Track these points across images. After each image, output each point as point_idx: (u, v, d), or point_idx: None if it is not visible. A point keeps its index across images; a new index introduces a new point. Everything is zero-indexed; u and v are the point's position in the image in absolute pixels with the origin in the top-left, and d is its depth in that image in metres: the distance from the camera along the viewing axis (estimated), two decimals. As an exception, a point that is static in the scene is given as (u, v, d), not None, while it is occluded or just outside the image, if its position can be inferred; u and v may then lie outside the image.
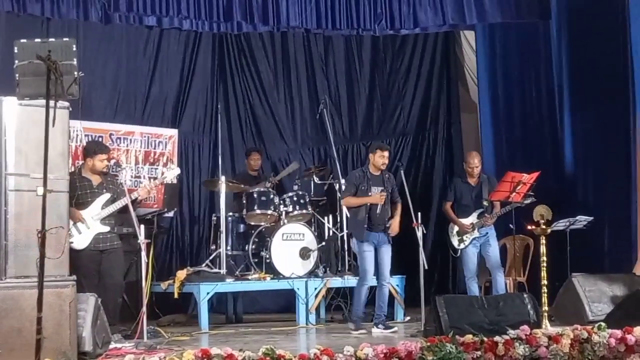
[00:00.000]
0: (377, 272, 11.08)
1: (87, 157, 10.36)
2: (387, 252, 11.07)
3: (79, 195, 10.00)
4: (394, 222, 11.13)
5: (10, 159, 8.39)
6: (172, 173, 11.16)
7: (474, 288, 11.52)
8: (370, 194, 11.01)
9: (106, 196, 10.17)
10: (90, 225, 10.05)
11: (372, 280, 11.14)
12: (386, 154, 11.14)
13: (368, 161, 11.28)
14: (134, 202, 10.24)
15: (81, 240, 9.99)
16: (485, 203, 11.63)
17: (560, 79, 13.55)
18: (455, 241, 11.78)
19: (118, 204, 10.10)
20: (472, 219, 11.65)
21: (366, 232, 10.92)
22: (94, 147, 10.65)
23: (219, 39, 15.10)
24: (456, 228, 11.77)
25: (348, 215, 11.51)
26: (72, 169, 10.15)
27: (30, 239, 8.07)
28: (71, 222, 9.75)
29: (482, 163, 12.02)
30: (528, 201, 11.40)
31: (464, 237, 11.67)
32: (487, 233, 11.61)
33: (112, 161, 10.50)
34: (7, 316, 8.06)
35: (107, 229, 10.15)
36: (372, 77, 15.66)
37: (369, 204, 10.95)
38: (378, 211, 10.94)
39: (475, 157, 11.92)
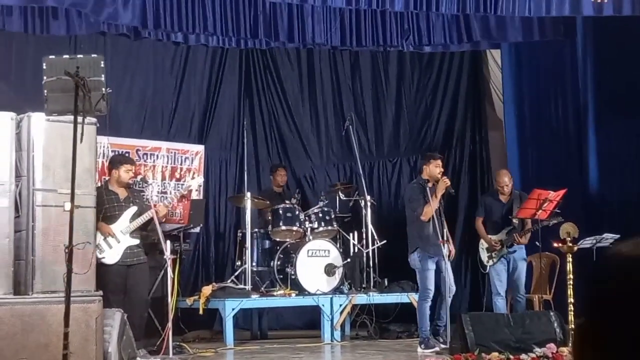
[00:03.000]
0: (443, 285, 10.85)
1: (113, 168, 10.42)
2: (449, 265, 10.92)
3: (107, 209, 10.06)
4: (452, 248, 11.09)
5: (37, 174, 8.47)
6: (195, 182, 11.20)
7: (500, 305, 11.43)
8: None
9: (133, 209, 10.21)
10: (121, 239, 10.09)
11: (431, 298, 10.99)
12: (440, 162, 11.08)
13: (421, 172, 11.20)
14: (150, 221, 10.22)
15: (112, 254, 10.03)
16: (514, 221, 11.56)
17: (585, 96, 13.51)
18: (484, 257, 11.72)
19: (144, 217, 10.14)
20: (501, 235, 11.59)
21: (436, 245, 10.75)
22: (119, 158, 10.75)
23: (245, 55, 15.14)
24: (486, 244, 11.72)
25: (410, 231, 11.28)
26: (99, 184, 10.19)
27: (57, 254, 8.12)
28: (101, 237, 9.83)
29: (512, 181, 11.94)
30: (555, 221, 11.34)
31: (493, 254, 11.61)
32: (515, 251, 11.52)
33: (139, 177, 10.54)
34: (34, 331, 8.11)
35: (136, 241, 10.19)
36: (399, 93, 15.66)
37: (432, 219, 10.79)
38: (438, 225, 10.76)
39: (505, 175, 11.88)
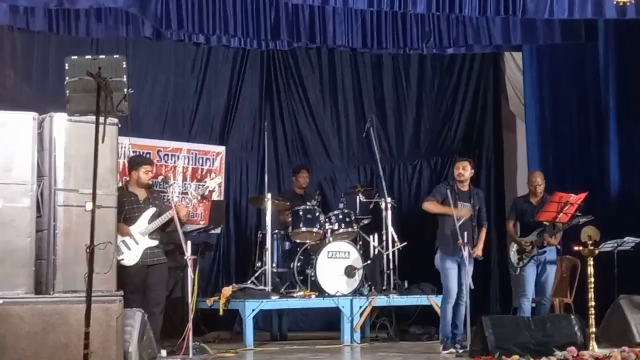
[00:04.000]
0: (457, 291, 10.83)
1: (132, 169, 10.44)
2: (469, 270, 10.82)
3: (127, 210, 10.08)
4: (478, 246, 11.03)
5: (59, 174, 8.50)
6: (214, 182, 11.19)
7: (525, 307, 11.34)
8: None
9: (152, 210, 10.22)
10: (139, 241, 10.11)
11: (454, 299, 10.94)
12: (461, 165, 11.03)
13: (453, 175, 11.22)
14: (170, 220, 10.22)
15: (131, 256, 10.04)
16: (545, 222, 11.49)
17: (607, 99, 13.46)
18: (514, 259, 11.66)
19: (163, 218, 10.14)
20: (532, 237, 11.53)
21: (452, 245, 10.75)
22: (137, 160, 10.80)
23: (266, 56, 15.14)
24: (516, 246, 11.67)
25: (438, 232, 11.29)
26: (120, 184, 10.22)
27: (78, 254, 8.16)
28: (120, 238, 9.84)
29: (544, 182, 11.88)
30: (585, 219, 11.29)
31: (524, 256, 11.55)
32: (545, 252, 11.46)
33: (160, 177, 10.56)
34: (55, 330, 8.14)
35: (155, 243, 10.20)
36: (419, 95, 15.62)
37: (455, 218, 10.75)
38: (462, 226, 10.72)
39: (538, 176, 11.85)
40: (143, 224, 10.18)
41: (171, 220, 10.12)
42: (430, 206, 11.01)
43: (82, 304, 7.50)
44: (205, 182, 13.14)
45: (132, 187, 10.39)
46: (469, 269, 10.71)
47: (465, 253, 10.58)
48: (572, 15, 11.69)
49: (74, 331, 8.00)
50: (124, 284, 9.76)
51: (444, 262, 10.85)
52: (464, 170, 11.01)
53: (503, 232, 14.23)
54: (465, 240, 10.60)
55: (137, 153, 12.64)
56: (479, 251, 10.98)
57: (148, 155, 12.76)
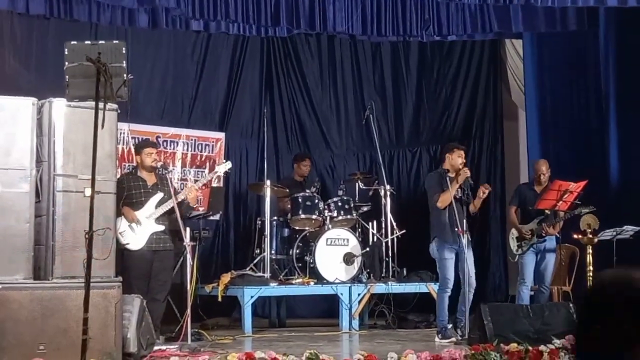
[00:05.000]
0: (463, 279, 10.74)
1: (137, 154, 10.55)
2: (471, 257, 10.81)
3: (134, 194, 10.16)
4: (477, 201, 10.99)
5: (58, 159, 8.49)
6: (223, 167, 11.18)
7: (524, 295, 11.32)
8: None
9: (159, 196, 10.25)
10: (145, 225, 10.14)
11: (451, 288, 10.92)
12: (462, 153, 11.02)
13: (443, 162, 11.16)
14: (181, 203, 10.28)
15: (137, 240, 10.09)
16: (547, 211, 11.48)
17: (607, 87, 13.45)
18: (513, 246, 11.65)
19: (169, 204, 10.15)
20: (532, 225, 11.52)
21: (451, 233, 10.71)
22: (141, 143, 11.00)
23: (266, 43, 15.14)
24: (516, 233, 11.66)
25: (431, 220, 11.27)
26: (128, 169, 10.24)
27: (77, 240, 8.16)
28: (126, 223, 9.91)
29: (549, 170, 11.86)
30: (587, 210, 11.28)
31: (523, 243, 11.54)
32: (545, 240, 11.45)
33: (159, 163, 10.57)
34: (53, 316, 8.14)
35: (161, 228, 10.24)
36: (419, 82, 15.61)
37: (450, 208, 10.73)
38: (456, 215, 10.69)
39: (543, 164, 11.82)
40: (150, 209, 10.22)
41: (179, 204, 10.14)
42: (445, 199, 10.87)
43: (80, 289, 7.51)
44: (205, 169, 13.21)
45: (140, 172, 10.47)
46: (470, 255, 10.71)
47: (465, 240, 10.57)
48: (576, 2, 11.69)
49: (72, 317, 8.01)
50: (129, 269, 9.86)
51: (441, 251, 10.79)
52: (464, 160, 11.02)
53: (502, 220, 14.25)
54: (465, 228, 10.60)
55: (138, 139, 12.66)
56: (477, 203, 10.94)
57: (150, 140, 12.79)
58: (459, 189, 10.82)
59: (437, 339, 10.60)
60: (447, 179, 10.78)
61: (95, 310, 7.90)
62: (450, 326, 10.76)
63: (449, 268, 10.73)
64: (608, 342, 2.02)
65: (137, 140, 12.65)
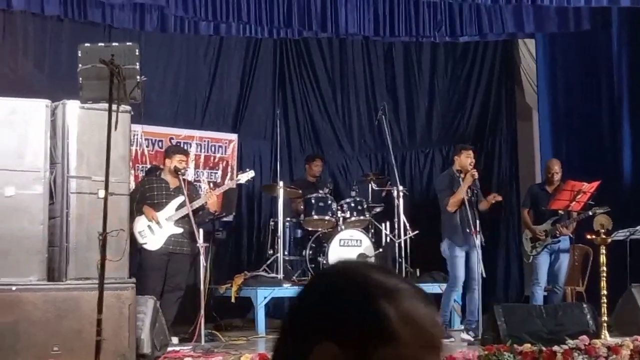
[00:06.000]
0: (468, 275, 10.85)
1: (167, 157, 10.71)
2: (476, 254, 10.82)
3: (155, 195, 10.32)
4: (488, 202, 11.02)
5: (72, 161, 8.52)
6: (245, 176, 11.25)
7: (538, 295, 11.32)
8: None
9: (181, 199, 10.34)
10: (164, 226, 10.23)
11: (461, 287, 11.00)
12: (471, 153, 11.05)
13: (453, 164, 11.19)
14: (201, 208, 10.46)
15: (155, 240, 10.20)
16: (560, 211, 11.48)
17: (620, 87, 13.42)
18: (528, 247, 11.65)
19: (189, 207, 10.21)
20: (546, 226, 11.51)
21: (465, 234, 10.75)
22: (173, 149, 11.18)
23: (279, 45, 15.16)
24: (530, 234, 11.66)
25: (442, 220, 11.31)
26: (142, 171, 10.31)
27: (91, 241, 8.18)
28: (145, 222, 10.03)
29: (561, 170, 11.86)
30: (602, 210, 11.26)
31: (537, 244, 11.54)
32: (559, 241, 11.45)
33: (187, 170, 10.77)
34: (67, 317, 8.16)
35: (180, 230, 10.33)
36: (432, 83, 15.60)
37: (461, 209, 10.77)
38: (468, 215, 10.73)
39: (555, 164, 11.82)
40: (170, 211, 10.33)
41: (200, 209, 10.29)
42: (454, 203, 10.91)
43: (94, 290, 7.53)
44: (218, 171, 13.26)
45: (164, 175, 10.66)
46: (478, 257, 10.72)
47: (478, 241, 10.58)
48: (590, 2, 11.67)
49: (86, 318, 8.02)
50: (145, 268, 9.96)
51: (452, 251, 10.84)
52: (473, 159, 11.04)
53: (515, 220, 14.23)
54: (477, 229, 10.61)
55: (151, 141, 12.78)
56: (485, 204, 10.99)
57: (160, 143, 12.85)
58: (469, 190, 10.84)
59: (463, 335, 10.65)
60: (460, 180, 10.82)
61: (109, 311, 7.91)
62: (462, 327, 10.79)
63: (459, 266, 10.76)
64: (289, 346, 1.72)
65: (150, 142, 12.71)
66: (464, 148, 11.19)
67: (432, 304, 1.71)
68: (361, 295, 1.66)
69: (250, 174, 11.30)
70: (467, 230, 10.62)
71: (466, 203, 10.69)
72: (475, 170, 10.87)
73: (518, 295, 14.35)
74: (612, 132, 13.60)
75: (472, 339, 10.43)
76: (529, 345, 8.84)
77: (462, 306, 11.64)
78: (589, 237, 10.45)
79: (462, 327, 11.04)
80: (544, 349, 8.61)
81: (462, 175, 10.89)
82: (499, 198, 11.14)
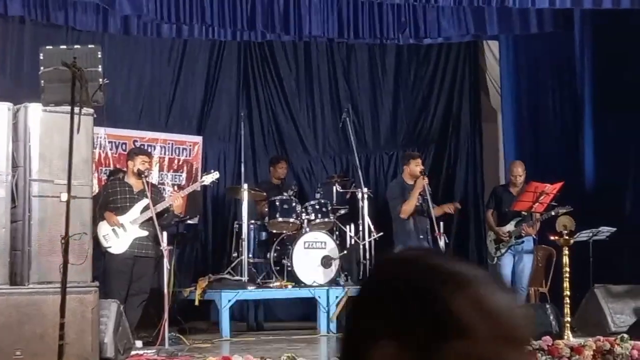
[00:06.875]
0: None
1: (129, 160, 10.66)
2: None
3: (119, 199, 10.27)
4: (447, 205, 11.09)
5: (34, 165, 8.46)
6: (210, 177, 11.24)
7: None
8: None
9: (145, 201, 10.29)
10: (129, 230, 10.19)
11: None
12: (420, 161, 11.21)
13: (402, 172, 11.30)
14: (166, 210, 10.43)
15: (119, 244, 10.16)
16: (523, 212, 11.54)
17: (582, 89, 13.51)
18: (492, 249, 11.72)
19: (154, 209, 10.18)
20: (510, 227, 11.57)
21: (419, 241, 10.86)
22: (135, 150, 11.17)
23: (243, 47, 15.13)
24: (493, 236, 11.71)
25: (395, 228, 11.40)
26: (106, 173, 10.28)
27: (53, 245, 8.13)
28: (109, 227, 9.97)
29: (525, 172, 11.92)
30: (564, 210, 11.34)
31: (501, 245, 11.59)
32: (523, 242, 11.51)
33: (150, 172, 10.71)
34: (30, 321, 8.11)
35: (145, 233, 10.30)
36: (396, 85, 15.63)
37: (414, 215, 10.88)
38: (421, 218, 10.87)
39: (519, 166, 11.90)
40: (135, 214, 10.29)
41: (165, 211, 10.26)
42: (408, 209, 11.02)
43: (57, 294, 7.48)
44: (182, 173, 13.24)
45: (128, 178, 10.61)
46: None
47: (442, 242, 10.64)
48: (554, 4, 11.73)
49: (49, 322, 7.98)
50: (110, 272, 9.91)
51: None
52: (422, 167, 11.19)
53: (481, 222, 14.30)
54: (441, 230, 10.70)
55: (114, 144, 12.75)
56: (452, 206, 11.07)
57: (124, 146, 12.81)
58: (419, 196, 10.97)
59: None
60: (409, 188, 10.97)
61: (72, 315, 7.87)
62: None
63: None
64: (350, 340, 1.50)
65: (114, 144, 12.66)
66: (412, 157, 11.37)
67: (511, 292, 1.50)
68: (426, 285, 1.45)
69: (214, 175, 11.29)
70: (421, 237, 10.77)
71: (418, 211, 10.87)
72: (424, 177, 11.00)
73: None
74: (574, 134, 13.69)
75: None
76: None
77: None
78: (552, 238, 10.51)
79: None
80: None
81: (410, 183, 11.04)
82: (458, 206, 11.25)
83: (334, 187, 13.46)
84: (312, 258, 12.35)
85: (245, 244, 12.26)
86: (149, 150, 13.11)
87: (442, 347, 1.40)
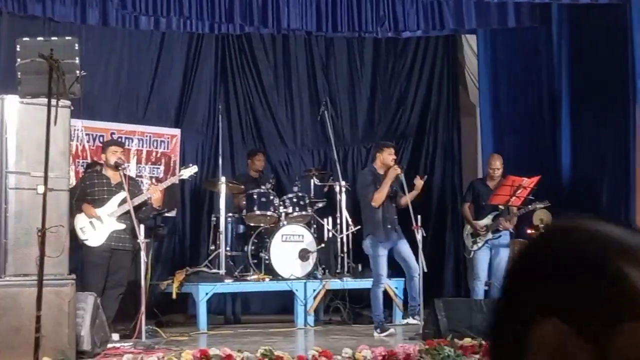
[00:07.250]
0: (405, 266, 11.25)
1: (103, 152, 10.62)
2: (405, 245, 11.18)
3: (96, 191, 10.26)
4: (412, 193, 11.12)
5: (11, 157, 8.43)
6: (188, 171, 11.24)
7: (478, 290, 11.45)
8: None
9: (123, 194, 10.27)
10: (106, 222, 10.18)
11: (385, 282, 11.36)
12: (393, 150, 11.23)
13: (374, 161, 11.32)
14: (144, 203, 10.42)
15: (96, 236, 10.15)
16: (500, 206, 11.57)
17: (559, 83, 13.55)
18: (468, 242, 11.75)
19: (132, 202, 10.17)
20: (487, 221, 11.60)
21: (386, 230, 10.93)
22: (107, 142, 11.28)
23: (221, 39, 15.10)
24: (470, 229, 11.75)
25: (364, 218, 11.45)
26: (83, 166, 10.25)
27: (30, 238, 8.10)
28: (87, 219, 9.96)
29: (503, 166, 11.94)
30: (542, 205, 11.37)
31: (478, 239, 11.62)
32: (500, 236, 11.55)
33: (126, 164, 10.67)
34: (6, 314, 8.09)
35: (122, 226, 10.30)
36: (374, 79, 15.65)
37: (384, 205, 10.94)
38: (389, 209, 10.96)
39: (497, 159, 11.91)
40: (112, 207, 10.28)
41: (143, 204, 10.25)
42: (379, 198, 11.06)
43: (33, 287, 7.46)
44: (160, 166, 13.21)
45: (105, 171, 10.58)
46: (403, 242, 11.18)
47: (419, 235, 10.66)
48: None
49: (25, 315, 7.95)
50: (87, 264, 9.90)
51: (375, 249, 11.03)
52: (395, 156, 11.23)
53: (458, 215, 14.33)
54: (419, 223, 10.71)
55: (92, 136, 12.71)
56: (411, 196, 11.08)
57: (101, 139, 12.77)
58: (390, 187, 11.03)
59: (375, 334, 10.78)
60: (380, 177, 11.00)
61: (49, 308, 7.84)
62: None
63: (382, 265, 11.02)
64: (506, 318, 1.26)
65: (91, 137, 12.62)
66: (385, 145, 11.40)
67: None
68: (600, 257, 1.22)
69: (193, 169, 11.29)
70: (389, 226, 10.85)
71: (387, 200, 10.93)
72: (398, 166, 11.04)
73: (461, 291, 14.43)
74: (551, 128, 13.72)
75: (418, 322, 10.57)
76: (469, 339, 8.89)
77: (404, 301, 11.76)
78: (529, 232, 10.55)
79: (406, 318, 11.29)
80: (484, 342, 8.66)
81: (381, 172, 11.07)
82: (423, 178, 11.28)
83: (312, 181, 13.48)
84: (290, 251, 12.36)
85: (222, 237, 12.26)
86: (126, 143, 13.09)
87: (616, 331, 1.18)
